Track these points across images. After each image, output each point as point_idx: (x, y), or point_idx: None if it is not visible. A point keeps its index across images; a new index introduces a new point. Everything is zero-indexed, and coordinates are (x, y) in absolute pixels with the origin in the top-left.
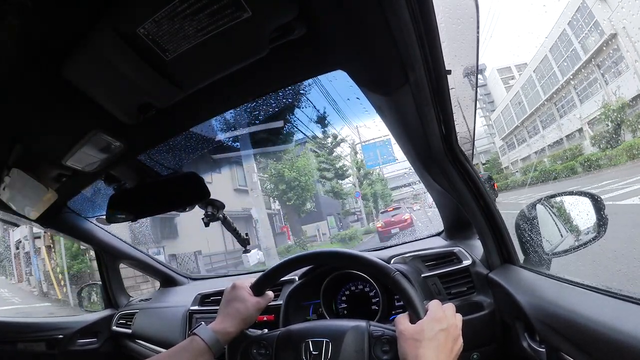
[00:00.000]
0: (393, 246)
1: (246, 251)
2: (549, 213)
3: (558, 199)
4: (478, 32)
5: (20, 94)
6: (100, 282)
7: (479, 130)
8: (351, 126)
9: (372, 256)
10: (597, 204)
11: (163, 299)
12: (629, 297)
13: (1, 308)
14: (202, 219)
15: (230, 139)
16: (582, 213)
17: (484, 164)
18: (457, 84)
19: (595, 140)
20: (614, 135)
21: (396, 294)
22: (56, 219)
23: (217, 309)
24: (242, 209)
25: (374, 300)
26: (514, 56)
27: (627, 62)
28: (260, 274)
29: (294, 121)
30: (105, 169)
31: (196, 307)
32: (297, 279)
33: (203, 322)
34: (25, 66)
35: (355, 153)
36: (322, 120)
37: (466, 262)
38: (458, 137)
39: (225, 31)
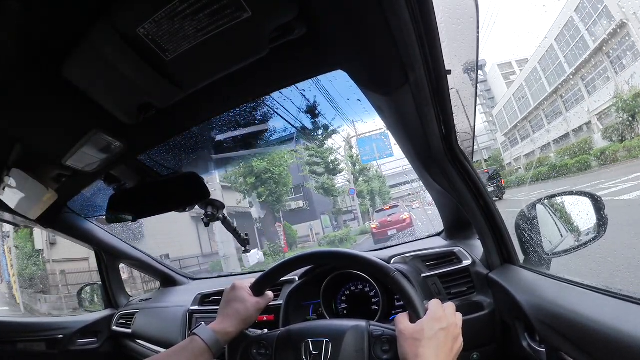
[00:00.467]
0: (393, 246)
1: (246, 251)
2: (549, 213)
3: (558, 199)
4: (478, 32)
5: (20, 94)
6: (100, 282)
7: (479, 126)
8: (347, 121)
9: (372, 256)
10: (597, 204)
11: (163, 299)
12: (629, 297)
13: None
14: (202, 219)
15: (231, 139)
16: (582, 213)
17: (486, 161)
18: (457, 82)
19: (607, 133)
20: (629, 127)
21: (396, 294)
22: (56, 219)
23: (217, 309)
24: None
25: (374, 300)
26: (517, 48)
27: (639, 49)
28: (260, 274)
29: (295, 120)
30: (105, 169)
31: (196, 307)
32: (297, 279)
33: (203, 322)
34: (25, 66)
35: (350, 147)
36: (312, 111)
37: (466, 262)
38: (458, 135)
39: (225, 31)
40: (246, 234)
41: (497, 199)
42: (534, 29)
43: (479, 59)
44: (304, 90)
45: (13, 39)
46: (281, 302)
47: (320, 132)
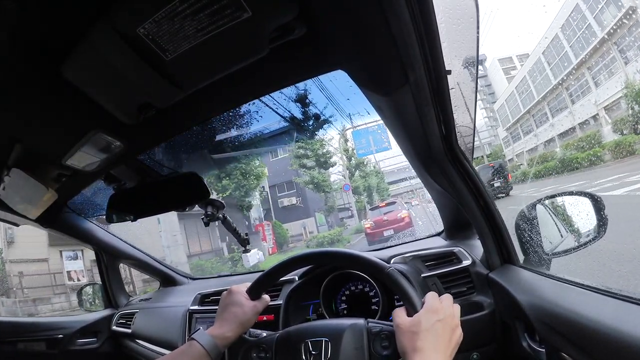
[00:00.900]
0: (393, 246)
1: (246, 251)
2: (549, 213)
3: (558, 199)
4: (478, 32)
5: (20, 94)
6: (100, 282)
7: (480, 122)
8: (342, 112)
9: (367, 254)
10: (597, 204)
11: (163, 299)
12: (629, 297)
13: None
14: (202, 219)
15: (230, 138)
16: (582, 213)
17: (488, 156)
18: (457, 78)
19: (618, 125)
20: None
21: (393, 291)
22: (56, 219)
23: (217, 309)
24: None
25: (373, 300)
26: (517, 45)
27: None
28: (256, 277)
29: (292, 116)
30: (105, 169)
31: (196, 307)
32: (297, 279)
33: (201, 327)
34: (25, 66)
35: (345, 140)
36: (302, 100)
37: (466, 262)
38: (459, 132)
39: (225, 31)
40: (246, 234)
41: (504, 195)
42: (534, 29)
43: (479, 55)
44: (303, 87)
45: (13, 39)
46: (281, 302)
47: (311, 122)
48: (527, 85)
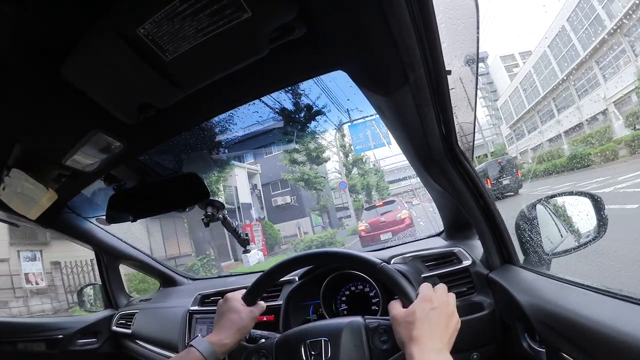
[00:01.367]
0: (393, 246)
1: (246, 251)
2: (549, 213)
3: (558, 199)
4: (478, 32)
5: (20, 94)
6: (100, 283)
7: (482, 121)
8: (338, 106)
9: (358, 252)
10: (597, 204)
11: (163, 299)
12: (629, 297)
13: None
14: (202, 219)
15: (230, 138)
16: (582, 213)
17: (491, 154)
18: (458, 75)
19: (630, 120)
20: None
21: (387, 285)
22: (56, 219)
23: (216, 312)
24: None
25: (374, 301)
26: (518, 43)
27: None
28: (256, 277)
29: (296, 119)
30: (105, 169)
31: (196, 307)
32: (297, 279)
33: (199, 334)
34: (25, 66)
35: (342, 135)
36: (302, 98)
37: (466, 263)
38: (460, 130)
39: (225, 31)
40: (246, 234)
41: (512, 193)
42: (535, 29)
43: (481, 52)
44: (303, 85)
45: (13, 39)
46: (281, 302)
47: (309, 119)
48: (532, 80)
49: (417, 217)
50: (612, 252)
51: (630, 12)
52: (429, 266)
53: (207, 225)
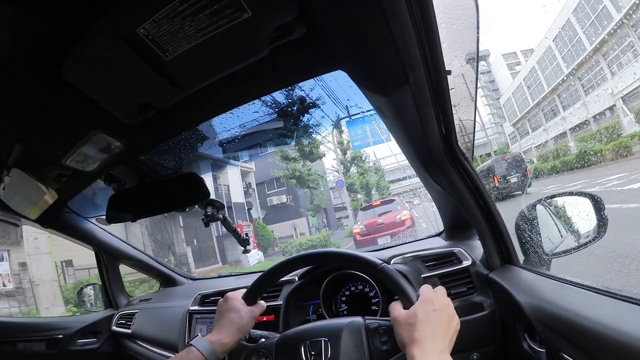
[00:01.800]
0: (393, 246)
1: (246, 251)
2: (549, 213)
3: (558, 199)
4: (478, 32)
5: (20, 94)
6: (100, 283)
7: (485, 119)
8: (335, 100)
9: (359, 252)
10: (597, 204)
11: (163, 299)
12: (629, 297)
13: None
14: (202, 219)
15: (231, 138)
16: (582, 213)
17: (495, 153)
18: (457, 74)
19: None
20: None
21: (387, 286)
22: (56, 219)
23: (216, 311)
24: None
25: (373, 301)
26: (519, 41)
27: None
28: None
29: (292, 114)
30: (105, 169)
31: (196, 307)
32: (297, 279)
33: (199, 334)
34: (25, 66)
35: (340, 132)
36: (303, 98)
37: (466, 263)
38: (459, 131)
39: (225, 31)
40: (246, 234)
41: (520, 192)
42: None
43: (482, 50)
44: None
45: (13, 39)
46: (281, 302)
47: (308, 117)
48: (537, 76)
49: (419, 218)
50: None
51: (638, 2)
52: (429, 266)
53: (207, 225)
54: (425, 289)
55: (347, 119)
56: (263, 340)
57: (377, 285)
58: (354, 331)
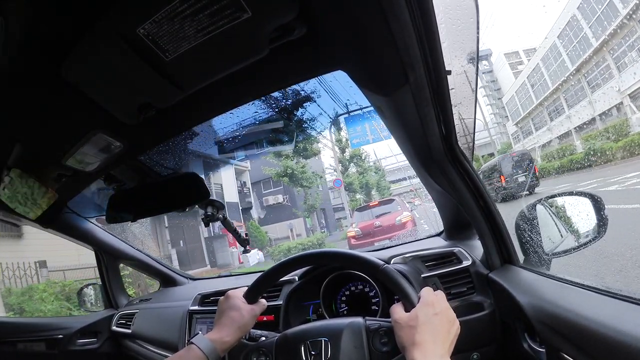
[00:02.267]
0: (393, 246)
1: (246, 251)
2: (549, 213)
3: (558, 199)
4: (478, 32)
5: (20, 94)
6: (100, 283)
7: (487, 119)
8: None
9: (361, 253)
10: (597, 204)
11: (163, 299)
12: (629, 297)
13: None
14: (202, 219)
15: (231, 138)
16: (582, 213)
17: (498, 152)
18: (457, 75)
19: None
20: None
21: (389, 287)
22: (56, 219)
23: (217, 309)
24: None
25: (373, 301)
26: (519, 38)
27: None
28: (255, 277)
29: (300, 122)
30: (105, 169)
31: (196, 307)
32: (297, 279)
33: (200, 332)
34: (25, 66)
35: (339, 129)
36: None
37: (466, 263)
38: (459, 131)
39: (225, 31)
40: (246, 234)
41: (528, 193)
42: (536, 28)
43: (484, 49)
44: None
45: (13, 39)
46: (281, 302)
47: (294, 103)
48: (541, 73)
49: (420, 219)
50: None
51: None
52: (429, 266)
53: (207, 225)
54: (427, 291)
55: (346, 115)
56: (263, 339)
57: (377, 286)
58: (354, 331)
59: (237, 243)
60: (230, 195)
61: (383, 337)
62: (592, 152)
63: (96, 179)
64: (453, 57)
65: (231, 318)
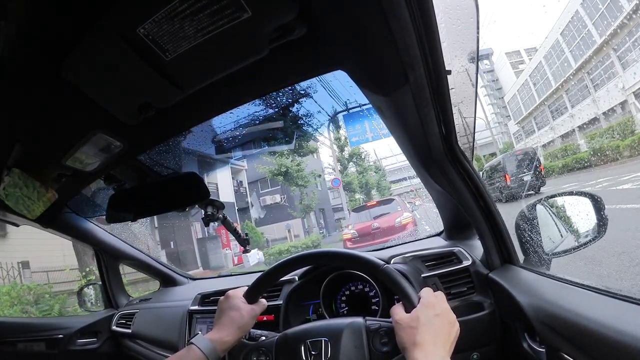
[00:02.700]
0: (393, 246)
1: (246, 251)
2: (549, 213)
3: (558, 199)
4: (478, 32)
5: (20, 94)
6: (100, 282)
7: (489, 118)
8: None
9: (362, 253)
10: (597, 204)
11: (163, 299)
12: (629, 297)
13: None
14: (202, 218)
15: (231, 138)
16: (582, 213)
17: (500, 152)
18: (457, 74)
19: None
20: None
21: (389, 287)
22: (56, 219)
23: (216, 309)
24: None
25: (373, 300)
26: (519, 38)
27: None
28: (255, 277)
29: (297, 119)
30: (105, 169)
31: (196, 307)
32: (297, 279)
33: (200, 332)
34: (25, 66)
35: (337, 127)
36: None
37: (466, 263)
38: (459, 131)
39: (225, 31)
40: (246, 234)
41: (533, 192)
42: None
43: (485, 49)
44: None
45: (13, 39)
46: (281, 302)
47: (291, 100)
48: (544, 72)
49: (421, 219)
50: None
51: None
52: (428, 266)
53: (207, 224)
54: (427, 292)
55: (345, 112)
56: (263, 338)
57: (377, 286)
58: (354, 331)
59: (231, 245)
60: (226, 194)
61: (383, 337)
62: (598, 151)
63: (96, 179)
64: (453, 57)
65: (231, 318)
